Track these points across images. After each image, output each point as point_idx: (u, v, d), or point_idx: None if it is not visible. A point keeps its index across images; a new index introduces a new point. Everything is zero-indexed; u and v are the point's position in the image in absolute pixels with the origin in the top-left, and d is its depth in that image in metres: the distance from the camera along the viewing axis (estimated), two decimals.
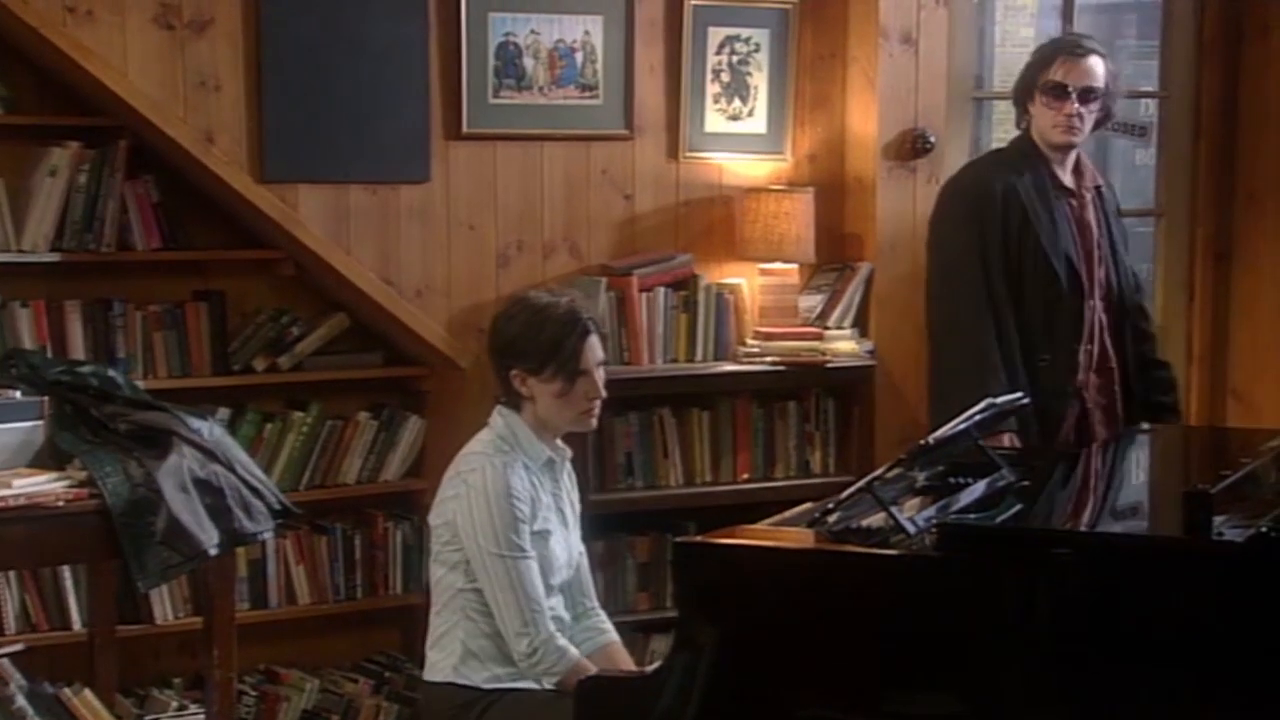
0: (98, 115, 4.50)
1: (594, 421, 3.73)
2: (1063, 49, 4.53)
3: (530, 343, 3.62)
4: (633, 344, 4.99)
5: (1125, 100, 6.02)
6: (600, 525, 4.92)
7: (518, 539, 3.52)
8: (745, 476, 5.15)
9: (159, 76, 4.48)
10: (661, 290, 5.05)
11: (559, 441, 3.74)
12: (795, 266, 5.18)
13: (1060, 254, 4.45)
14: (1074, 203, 4.54)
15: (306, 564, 4.81)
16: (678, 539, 3.10)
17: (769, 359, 5.07)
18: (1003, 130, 5.66)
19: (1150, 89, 5.87)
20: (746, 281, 5.21)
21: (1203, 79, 5.68)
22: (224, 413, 4.64)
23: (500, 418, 3.68)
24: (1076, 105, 4.45)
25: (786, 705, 2.93)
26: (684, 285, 5.10)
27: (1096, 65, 4.49)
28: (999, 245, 4.42)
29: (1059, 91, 4.46)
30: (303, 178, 4.67)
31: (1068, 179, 4.55)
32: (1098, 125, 4.59)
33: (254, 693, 4.70)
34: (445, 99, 4.84)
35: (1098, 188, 4.60)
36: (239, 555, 4.60)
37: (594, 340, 3.67)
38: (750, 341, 5.14)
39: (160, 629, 4.59)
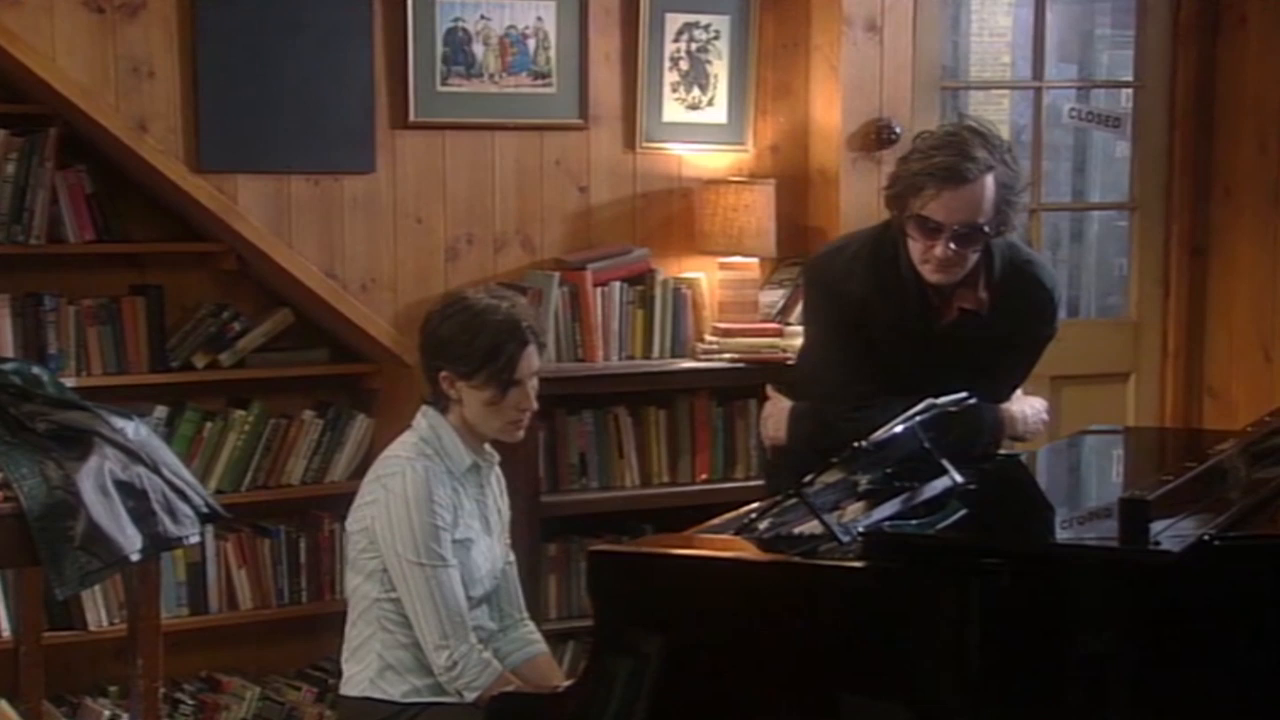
0: (26, 102, 4.39)
1: (521, 433, 3.60)
2: (938, 175, 3.35)
3: (465, 346, 3.48)
4: (587, 340, 4.87)
5: (1101, 90, 5.92)
6: (553, 528, 4.81)
7: (438, 547, 3.38)
8: (704, 477, 5.01)
9: (89, 62, 4.36)
10: (617, 285, 4.94)
11: (487, 446, 3.59)
12: (756, 261, 5.06)
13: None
14: (937, 328, 3.56)
15: (249, 567, 4.68)
16: (591, 548, 2.95)
17: (728, 356, 4.94)
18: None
19: (1126, 79, 5.74)
20: (705, 276, 5.09)
21: (1178, 70, 5.54)
22: (162, 411, 4.52)
23: (424, 419, 3.54)
24: (952, 247, 3.38)
25: None
26: (641, 280, 4.99)
27: (984, 189, 3.36)
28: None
29: (930, 230, 3.39)
30: (241, 168, 4.55)
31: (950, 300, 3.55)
32: (998, 233, 3.48)
33: (193, 701, 4.59)
34: (391, 86, 4.71)
35: (964, 310, 3.53)
36: (177, 559, 4.52)
37: (532, 350, 3.53)
38: (709, 338, 5.01)
39: (94, 635, 4.47)
